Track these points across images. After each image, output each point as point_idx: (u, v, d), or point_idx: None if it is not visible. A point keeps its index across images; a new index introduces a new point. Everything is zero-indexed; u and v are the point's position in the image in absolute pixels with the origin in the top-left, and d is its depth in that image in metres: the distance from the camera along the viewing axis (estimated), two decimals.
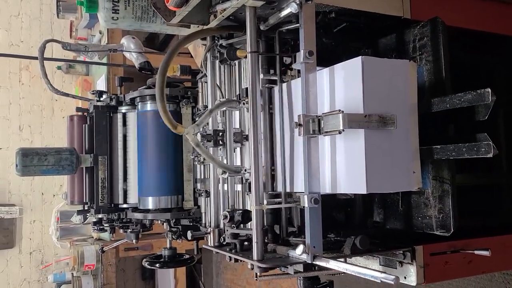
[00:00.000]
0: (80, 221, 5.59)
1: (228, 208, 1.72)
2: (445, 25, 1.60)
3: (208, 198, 2.38)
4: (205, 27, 1.72)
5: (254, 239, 1.49)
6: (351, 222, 1.90)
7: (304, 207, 1.42)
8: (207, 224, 2.42)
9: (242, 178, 1.80)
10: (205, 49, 1.84)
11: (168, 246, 2.73)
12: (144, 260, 2.75)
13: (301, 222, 1.73)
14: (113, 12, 1.81)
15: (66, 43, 3.34)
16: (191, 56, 5.74)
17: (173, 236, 2.62)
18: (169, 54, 1.57)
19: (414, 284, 1.62)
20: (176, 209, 2.54)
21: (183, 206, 2.54)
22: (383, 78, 1.40)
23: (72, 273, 5.16)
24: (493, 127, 1.98)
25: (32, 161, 2.50)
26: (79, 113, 2.92)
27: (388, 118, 1.36)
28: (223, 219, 1.63)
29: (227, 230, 1.68)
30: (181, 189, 2.56)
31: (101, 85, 5.15)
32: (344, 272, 1.66)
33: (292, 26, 1.64)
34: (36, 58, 3.27)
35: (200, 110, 2.47)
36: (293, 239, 1.61)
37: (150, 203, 2.54)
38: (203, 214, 2.46)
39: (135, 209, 2.63)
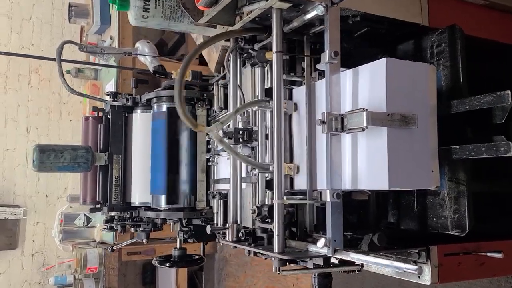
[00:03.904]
0: (83, 224, 5.64)
1: (258, 203, 1.76)
2: (463, 32, 1.66)
3: (221, 199, 2.42)
4: (229, 28, 1.77)
5: (276, 232, 1.53)
6: (364, 223, 1.94)
7: (326, 202, 1.46)
8: (219, 224, 2.46)
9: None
10: (228, 51, 1.89)
11: (178, 246, 2.76)
12: (154, 259, 2.78)
13: (318, 220, 1.78)
14: (143, 11, 1.86)
15: (82, 45, 3.42)
16: (199, 64, 5.83)
17: (185, 236, 2.65)
18: (191, 55, 1.61)
19: (428, 283, 1.66)
20: (188, 208, 2.58)
21: (196, 206, 2.58)
22: (405, 79, 1.45)
23: (74, 276, 5.16)
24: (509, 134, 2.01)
25: (49, 157, 2.54)
26: (94, 114, 2.97)
27: (409, 118, 1.41)
28: (252, 213, 1.67)
29: (255, 224, 1.72)
30: (194, 189, 2.60)
31: (109, 90, 5.22)
32: (360, 270, 1.71)
33: (317, 29, 1.70)
34: (52, 59, 3.34)
35: (216, 112, 2.52)
36: (314, 234, 1.65)
37: (163, 201, 2.58)
38: (215, 215, 2.50)
39: (148, 208, 2.67)
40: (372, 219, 1.93)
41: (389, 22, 1.73)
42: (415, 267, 1.17)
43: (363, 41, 1.87)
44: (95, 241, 5.37)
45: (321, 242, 1.44)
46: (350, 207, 1.94)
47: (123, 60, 4.78)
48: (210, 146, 2.55)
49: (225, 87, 2.48)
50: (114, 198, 2.68)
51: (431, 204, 1.70)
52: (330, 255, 1.45)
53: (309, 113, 1.69)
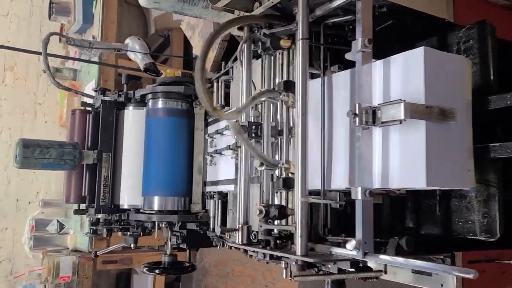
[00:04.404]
0: (56, 231, 5.38)
1: (263, 203, 1.63)
2: (493, 28, 1.59)
3: (220, 200, 2.29)
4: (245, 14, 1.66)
5: (298, 233, 1.41)
6: (376, 228, 1.84)
7: (356, 200, 1.35)
8: (216, 228, 2.32)
9: (272, 175, 1.73)
10: (242, 41, 1.78)
11: (168, 252, 2.60)
12: (143, 265, 2.61)
13: (332, 222, 1.67)
14: None
15: (70, 37, 3.25)
16: (184, 68, 5.66)
17: (178, 241, 2.50)
18: (212, 36, 1.48)
19: None
20: (182, 211, 2.43)
21: (191, 209, 2.44)
22: (442, 71, 1.36)
23: (45, 285, 4.89)
24: None
25: (33, 153, 2.36)
26: (82, 108, 2.80)
27: (448, 112, 1.32)
28: (258, 214, 1.54)
29: (260, 226, 1.59)
30: (189, 191, 2.46)
31: (89, 91, 5.02)
32: (378, 277, 1.59)
33: (339, 19, 1.61)
34: (38, 52, 3.16)
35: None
36: (331, 237, 1.54)
37: (156, 203, 2.42)
38: (211, 219, 2.37)
39: (138, 210, 2.50)
40: (386, 223, 1.83)
41: (415, 15, 1.64)
42: (472, 270, 1.06)
43: (384, 36, 1.78)
44: (68, 248, 5.12)
45: (351, 244, 1.33)
46: None
47: (105, 60, 4.60)
48: (209, 146, 2.42)
49: (227, 84, 2.36)
50: (102, 199, 2.50)
51: (456, 207, 1.61)
52: (360, 259, 1.34)
53: (329, 108, 1.59)
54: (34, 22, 5.75)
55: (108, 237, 2.70)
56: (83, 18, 5.15)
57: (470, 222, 1.56)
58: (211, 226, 2.35)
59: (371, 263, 1.50)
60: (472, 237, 1.56)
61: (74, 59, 4.63)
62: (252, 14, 1.63)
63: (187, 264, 2.66)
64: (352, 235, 1.45)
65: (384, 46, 1.80)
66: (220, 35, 1.54)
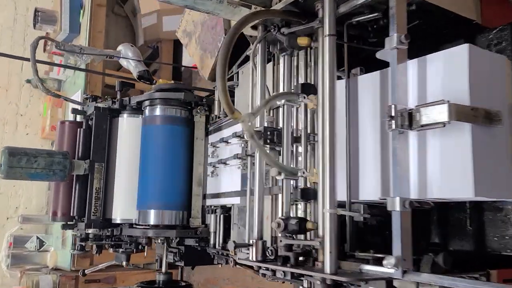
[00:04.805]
0: (35, 248, 5.12)
1: (282, 216, 1.48)
2: None
3: (222, 215, 2.14)
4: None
5: (327, 249, 1.26)
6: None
7: (393, 212, 1.21)
8: (216, 245, 2.16)
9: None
10: (256, 40, 1.64)
11: (163, 270, 2.42)
12: (136, 284, 2.42)
13: (358, 236, 1.53)
14: None
15: (60, 42, 3.10)
16: (173, 79, 5.50)
17: (175, 258, 2.32)
18: (235, 29, 1.35)
19: None
20: (181, 226, 2.26)
21: (189, 223, 2.27)
22: (485, 71, 1.25)
23: None
24: None
25: (20, 162, 2.18)
26: (55, 127, 2.62)
27: (493, 115, 1.20)
28: (276, 227, 1.39)
29: (280, 241, 1.44)
30: (188, 204, 2.29)
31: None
32: None
33: (366, 16, 1.49)
34: (25, 59, 2.99)
35: (219, 117, 2.25)
36: (360, 253, 1.39)
37: (152, 217, 2.25)
38: (212, 234, 2.21)
39: (132, 225, 2.32)
40: None
41: (442, 15, 1.54)
42: None
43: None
44: (48, 267, 4.88)
45: (390, 261, 1.18)
46: (370, 226, 1.70)
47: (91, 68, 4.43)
48: (210, 156, 2.27)
49: (230, 91, 2.22)
50: (93, 212, 2.31)
51: (490, 221, 1.48)
52: (399, 278, 1.19)
53: (355, 112, 1.46)
54: (18, 30, 5.56)
55: (98, 254, 2.50)
56: (70, 28, 4.98)
57: (507, 238, 1.44)
58: (212, 242, 2.19)
59: (399, 283, 1.36)
60: (510, 254, 1.43)
61: (63, 66, 4.44)
62: (275, 9, 1.51)
63: (183, 284, 2.48)
64: (378, 251, 1.32)
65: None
66: (241, 29, 1.40)
